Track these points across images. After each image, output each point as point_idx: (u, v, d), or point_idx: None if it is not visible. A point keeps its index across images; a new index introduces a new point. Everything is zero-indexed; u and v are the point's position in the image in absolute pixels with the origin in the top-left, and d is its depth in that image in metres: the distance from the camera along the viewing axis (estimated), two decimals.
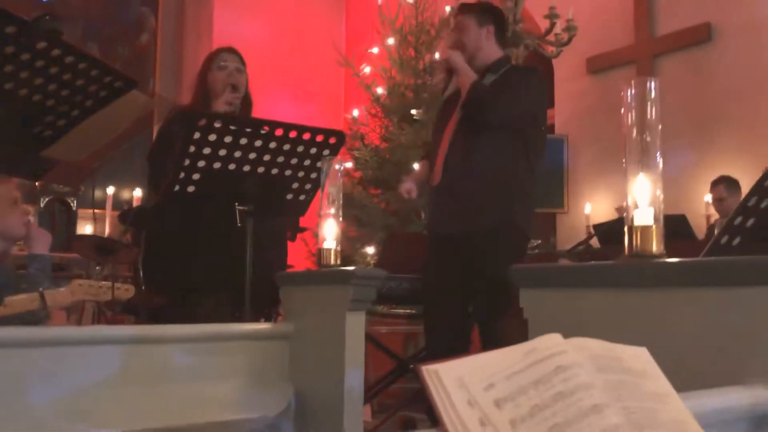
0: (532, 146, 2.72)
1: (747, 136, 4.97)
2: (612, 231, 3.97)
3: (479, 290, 2.68)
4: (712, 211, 4.81)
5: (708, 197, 4.79)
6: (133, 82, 1.79)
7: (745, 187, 4.43)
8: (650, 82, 0.98)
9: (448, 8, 6.19)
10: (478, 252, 2.64)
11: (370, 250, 5.52)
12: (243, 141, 2.01)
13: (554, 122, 6.13)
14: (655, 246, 0.99)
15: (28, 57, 1.53)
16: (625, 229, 1.00)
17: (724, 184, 4.48)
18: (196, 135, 1.94)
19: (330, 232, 1.65)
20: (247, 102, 2.65)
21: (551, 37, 4.87)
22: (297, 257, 5.70)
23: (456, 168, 2.72)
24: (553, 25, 4.77)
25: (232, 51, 2.69)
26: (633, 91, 1.00)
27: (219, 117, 1.96)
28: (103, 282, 2.37)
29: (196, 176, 2.02)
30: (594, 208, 5.77)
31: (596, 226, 4.48)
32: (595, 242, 4.39)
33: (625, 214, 1.01)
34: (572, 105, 6.11)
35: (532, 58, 5.04)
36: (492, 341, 2.53)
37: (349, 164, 5.87)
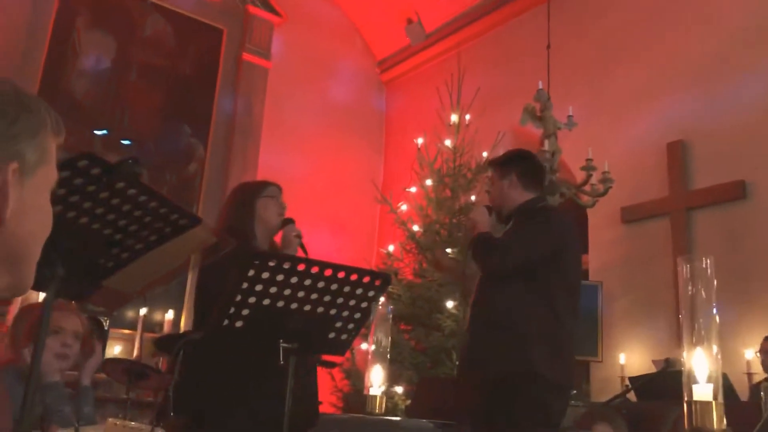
0: (555, 290, 2.67)
1: None
2: (650, 386, 3.88)
3: None
4: (754, 368, 4.69)
5: (749, 354, 4.68)
6: (198, 219, 1.88)
7: None
8: (707, 261, 1.02)
9: (485, 153, 6.44)
10: (496, 400, 2.59)
11: (399, 389, 5.42)
12: (294, 279, 2.07)
13: (588, 268, 6.15)
14: (716, 423, 0.99)
15: (107, 195, 1.65)
16: (684, 403, 1.01)
17: None
18: (251, 272, 2.00)
19: (377, 378, 1.66)
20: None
21: (587, 187, 4.99)
22: (323, 391, 5.61)
23: (476, 316, 2.78)
24: (589, 176, 4.90)
25: (280, 188, 2.77)
26: (689, 268, 1.04)
27: (274, 256, 2.03)
28: (137, 424, 2.32)
29: (245, 312, 2.07)
30: (628, 357, 5.65)
31: (632, 379, 4.37)
32: (631, 395, 4.27)
33: (684, 387, 1.02)
34: (606, 253, 6.15)
35: (568, 206, 5.15)
36: None
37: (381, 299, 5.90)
